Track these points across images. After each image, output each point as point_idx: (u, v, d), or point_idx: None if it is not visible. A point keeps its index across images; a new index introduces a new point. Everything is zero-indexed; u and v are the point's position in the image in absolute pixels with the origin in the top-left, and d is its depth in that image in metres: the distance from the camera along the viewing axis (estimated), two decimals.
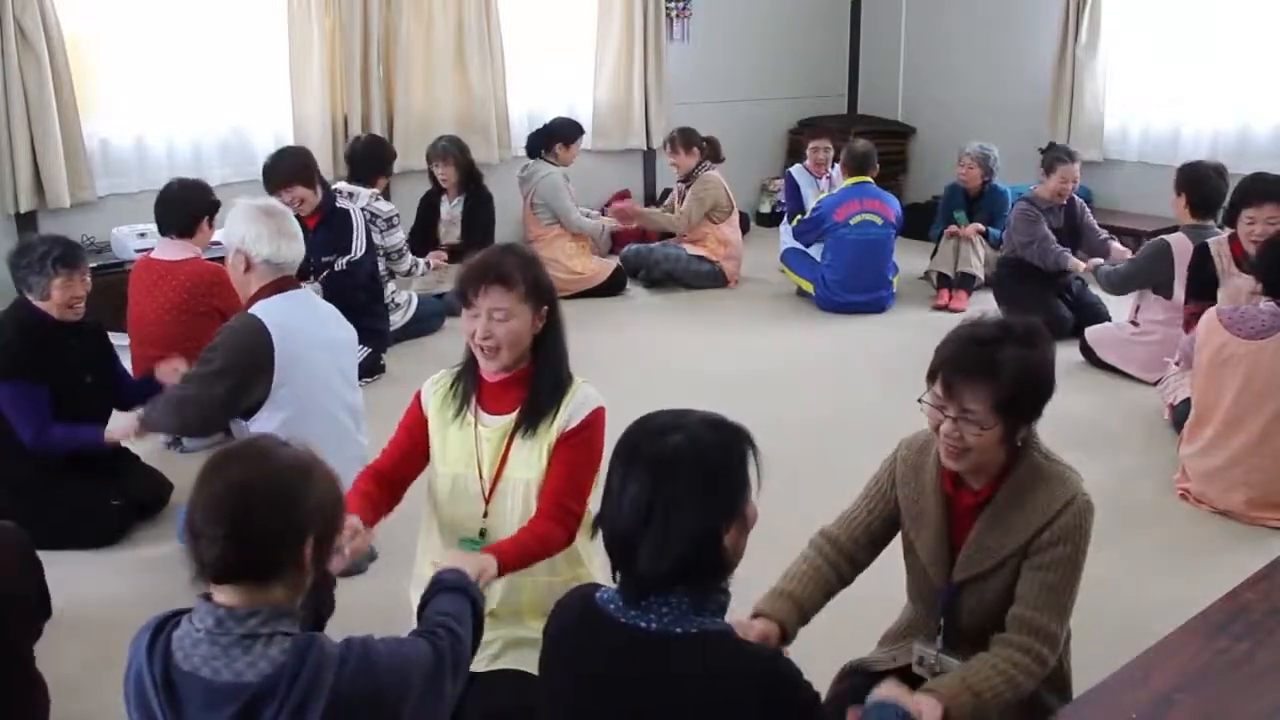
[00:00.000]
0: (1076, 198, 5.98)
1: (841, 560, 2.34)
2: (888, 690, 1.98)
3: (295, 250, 3.39)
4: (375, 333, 5.21)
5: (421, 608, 2.03)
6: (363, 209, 5.50)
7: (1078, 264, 5.75)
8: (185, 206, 4.34)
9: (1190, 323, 4.49)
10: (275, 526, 1.65)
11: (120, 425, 3.64)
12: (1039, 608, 2.11)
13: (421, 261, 5.99)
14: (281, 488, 1.66)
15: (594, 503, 2.15)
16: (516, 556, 2.31)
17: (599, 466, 2.44)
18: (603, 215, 7.21)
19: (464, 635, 1.92)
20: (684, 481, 1.67)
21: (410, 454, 2.57)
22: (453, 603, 1.98)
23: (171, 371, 3.71)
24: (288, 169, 5.06)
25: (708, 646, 1.67)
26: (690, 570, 1.67)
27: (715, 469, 1.70)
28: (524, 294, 2.39)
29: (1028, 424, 2.15)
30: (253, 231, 3.28)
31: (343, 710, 1.64)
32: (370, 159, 5.79)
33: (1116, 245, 5.80)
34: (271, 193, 5.02)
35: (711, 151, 6.91)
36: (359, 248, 5.19)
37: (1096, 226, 5.99)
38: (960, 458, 2.12)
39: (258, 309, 3.30)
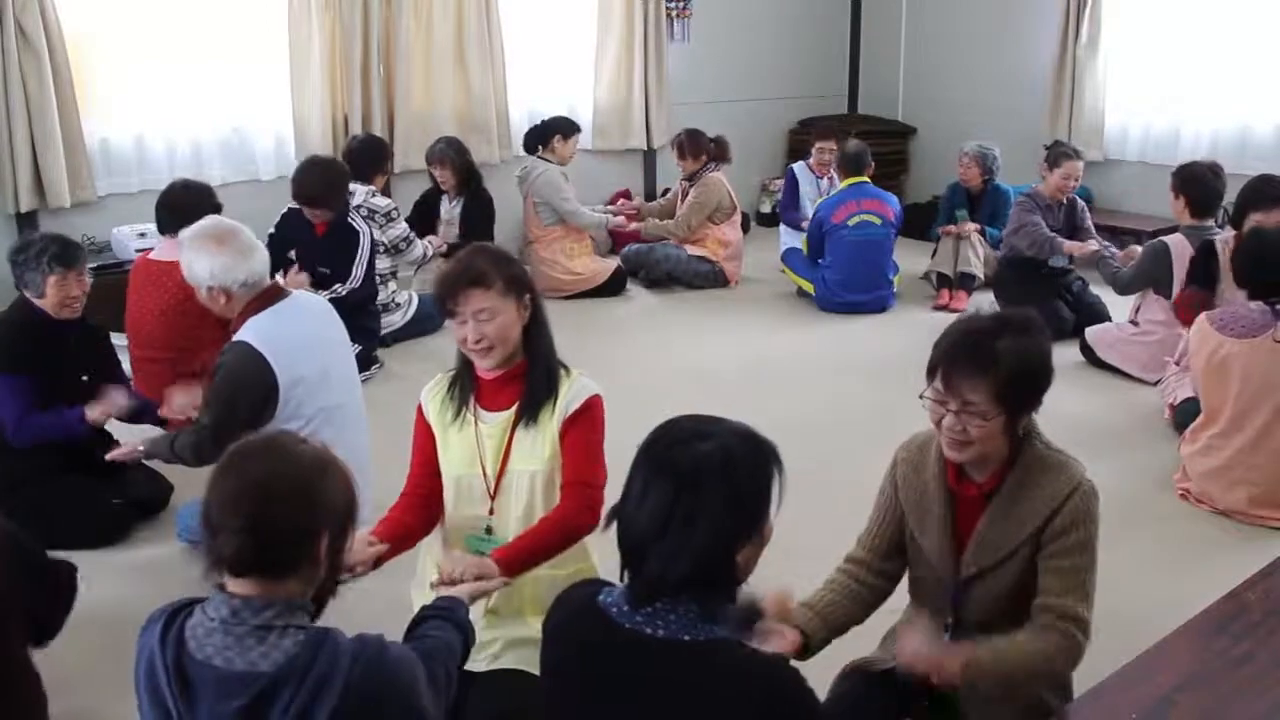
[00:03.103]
0: (1078, 199, 5.98)
1: (866, 574, 2.35)
2: (912, 637, 1.97)
3: (261, 259, 3.32)
4: (365, 330, 5.21)
5: (417, 622, 2.05)
6: (359, 205, 5.50)
7: (1073, 247, 5.71)
8: (187, 207, 4.32)
9: (1183, 308, 4.50)
10: (293, 523, 1.67)
11: (112, 409, 3.59)
12: (1063, 594, 2.11)
13: (427, 242, 6.00)
14: (300, 484, 1.68)
15: (611, 495, 2.16)
16: (532, 547, 2.36)
17: (603, 451, 2.49)
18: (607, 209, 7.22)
19: (454, 675, 1.95)
20: (708, 494, 1.65)
21: (432, 468, 2.58)
22: (449, 633, 2.01)
23: (179, 406, 3.64)
24: (315, 192, 5.09)
25: (715, 654, 1.66)
26: (699, 581, 1.66)
27: (741, 485, 1.68)
28: (503, 289, 2.42)
29: (1029, 413, 2.17)
30: (217, 265, 3.21)
31: (354, 704, 1.65)
32: (367, 157, 5.79)
33: (1135, 247, 5.73)
34: (296, 201, 5.14)
35: (719, 152, 6.91)
36: (358, 276, 5.20)
37: (1094, 232, 5.98)
38: (963, 449, 2.13)
39: (250, 334, 3.24)
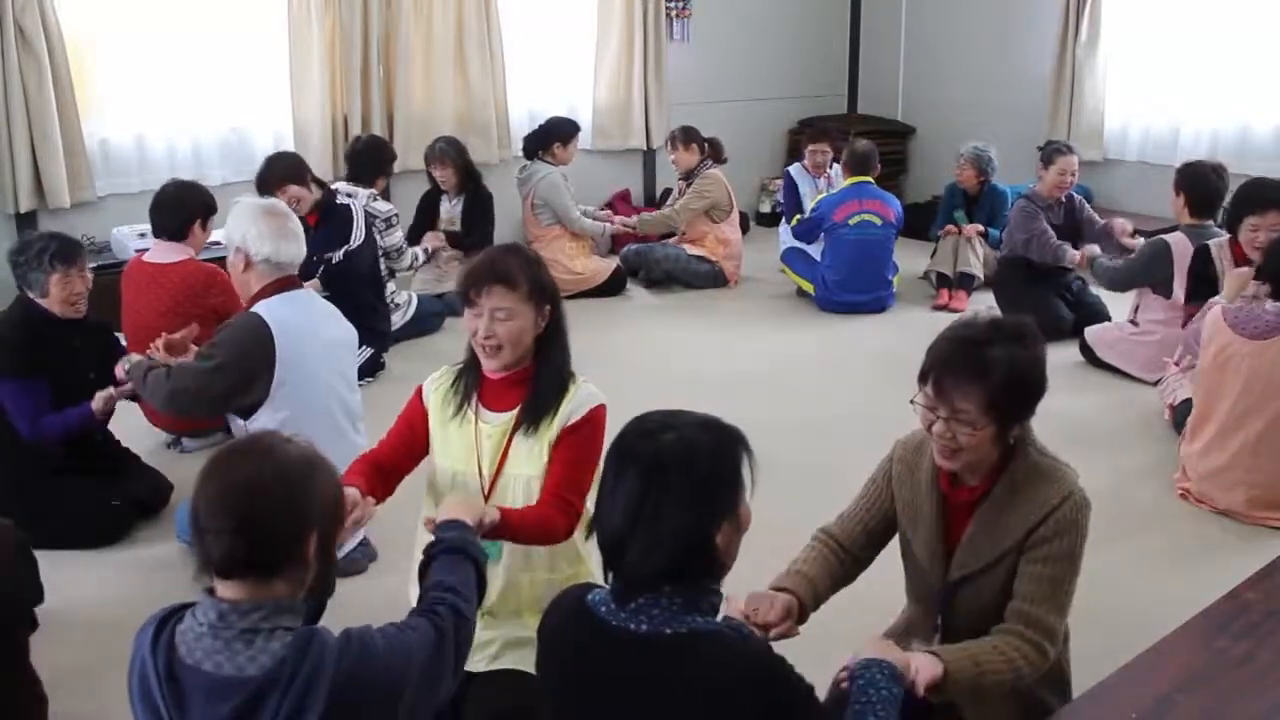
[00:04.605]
0: (1075, 195, 5.98)
1: (844, 555, 2.36)
2: (876, 647, 1.95)
3: (295, 250, 3.38)
4: (377, 333, 5.21)
5: (423, 569, 2.02)
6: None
7: (1075, 255, 5.74)
8: (178, 210, 4.34)
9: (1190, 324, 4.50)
10: (281, 523, 1.66)
11: (102, 395, 3.63)
12: (1036, 601, 2.11)
13: (419, 250, 5.99)
14: (287, 485, 1.67)
15: (592, 502, 2.16)
16: (519, 522, 2.32)
17: (598, 463, 2.45)
18: (605, 213, 7.22)
19: (467, 610, 1.91)
20: (674, 482, 1.67)
21: (408, 446, 2.57)
22: (454, 569, 1.97)
23: (180, 342, 3.63)
24: (278, 170, 5.09)
25: (699, 646, 1.66)
26: (680, 571, 1.67)
27: (706, 470, 1.69)
28: (526, 294, 2.41)
29: (1020, 422, 2.15)
30: (253, 230, 3.27)
31: (344, 701, 1.64)
32: (370, 159, 5.78)
33: (1119, 221, 5.75)
34: (265, 196, 5.06)
35: (714, 152, 6.91)
36: (357, 237, 5.20)
37: (1096, 217, 5.98)
38: (953, 457, 2.13)
39: (259, 307, 3.29)
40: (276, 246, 3.29)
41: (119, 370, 3.57)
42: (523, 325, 2.41)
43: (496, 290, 2.39)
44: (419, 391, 2.60)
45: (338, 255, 5.10)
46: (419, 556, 2.63)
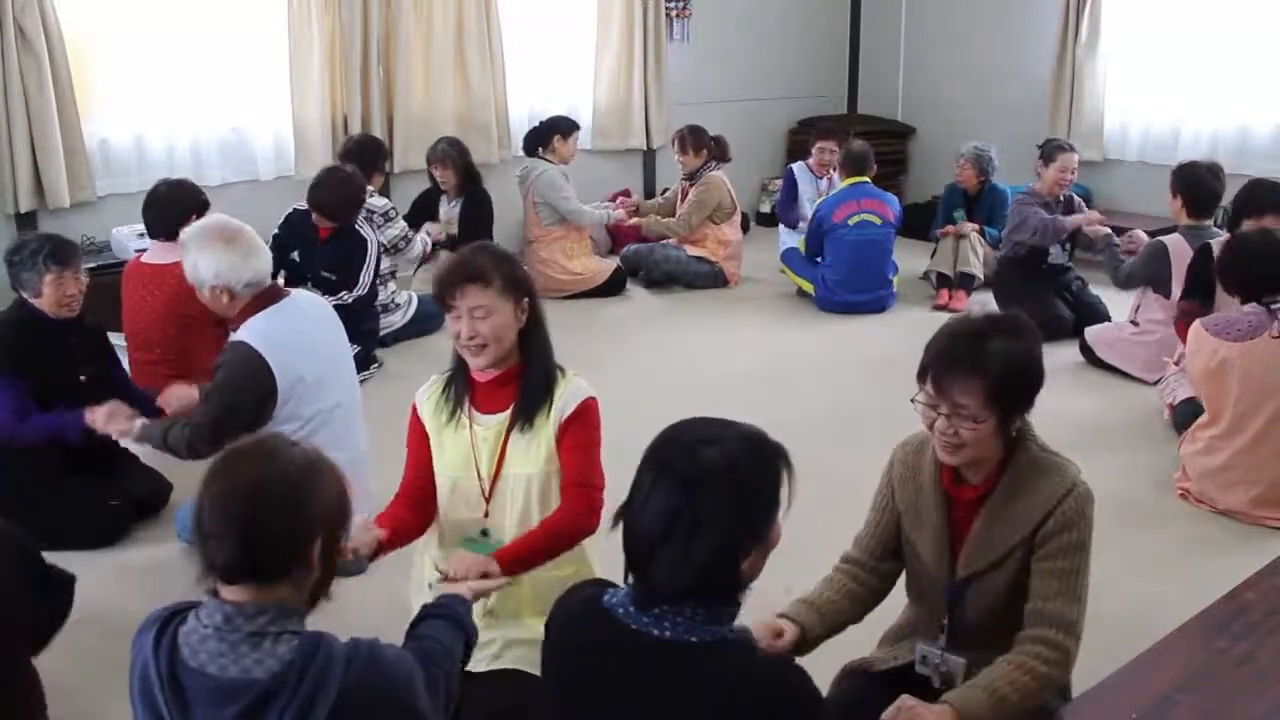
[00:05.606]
0: (1074, 196, 5.98)
1: (863, 573, 2.36)
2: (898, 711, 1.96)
3: (265, 259, 3.30)
4: (364, 332, 5.21)
5: (417, 622, 2.05)
6: None
7: (1076, 220, 5.71)
8: (172, 209, 4.32)
9: (1181, 319, 4.51)
10: (285, 528, 1.66)
11: (117, 426, 3.48)
12: (1052, 597, 2.11)
13: (425, 235, 5.99)
14: (291, 489, 1.67)
15: (610, 496, 2.17)
16: (528, 552, 2.38)
17: (600, 444, 2.50)
18: (612, 204, 7.20)
19: (451, 672, 1.95)
20: (712, 500, 1.65)
21: (426, 471, 2.58)
22: (447, 633, 2.01)
23: (177, 399, 3.65)
24: (334, 204, 5.12)
25: (723, 655, 1.66)
26: (704, 586, 1.66)
27: (746, 490, 1.67)
28: (501, 288, 2.41)
29: (1021, 415, 2.16)
30: (224, 265, 3.19)
31: (349, 709, 1.64)
32: (364, 158, 5.77)
33: (1139, 233, 5.72)
34: (311, 208, 5.17)
35: (719, 152, 6.91)
36: (365, 284, 5.20)
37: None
38: (956, 452, 2.13)
39: (250, 334, 3.22)
40: (253, 267, 3.23)
41: (131, 430, 3.45)
42: (502, 320, 2.42)
43: (471, 289, 2.40)
44: (414, 410, 2.60)
45: (348, 299, 5.08)
46: (420, 559, 2.65)
